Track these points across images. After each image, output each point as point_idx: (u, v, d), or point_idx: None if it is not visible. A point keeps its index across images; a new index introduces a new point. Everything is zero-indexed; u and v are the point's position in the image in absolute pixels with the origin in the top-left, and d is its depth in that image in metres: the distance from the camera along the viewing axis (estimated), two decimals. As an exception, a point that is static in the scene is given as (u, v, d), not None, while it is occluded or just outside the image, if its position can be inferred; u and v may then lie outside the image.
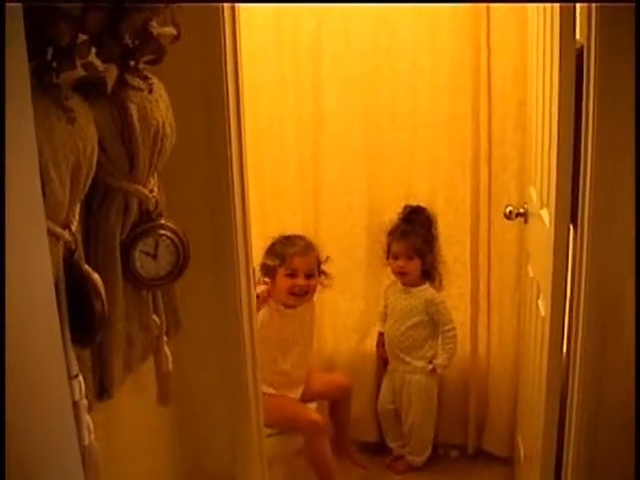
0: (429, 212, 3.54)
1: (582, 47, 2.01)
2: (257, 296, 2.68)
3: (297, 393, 3.25)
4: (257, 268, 2.85)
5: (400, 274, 3.56)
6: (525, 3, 2.97)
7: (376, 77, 3.46)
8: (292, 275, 3.17)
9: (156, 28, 1.40)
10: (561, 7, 2.06)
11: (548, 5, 2.33)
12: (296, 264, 3.17)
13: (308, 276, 3.20)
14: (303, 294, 3.20)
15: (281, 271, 3.17)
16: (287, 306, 3.20)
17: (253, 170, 2.23)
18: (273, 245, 3.26)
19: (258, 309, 2.88)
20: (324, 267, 3.32)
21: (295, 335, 3.26)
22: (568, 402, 2.14)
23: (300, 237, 3.31)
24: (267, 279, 3.07)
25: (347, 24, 3.41)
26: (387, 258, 3.58)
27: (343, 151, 3.56)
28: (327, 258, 3.33)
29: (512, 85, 3.27)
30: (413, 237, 3.49)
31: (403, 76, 3.44)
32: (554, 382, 2.31)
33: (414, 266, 3.52)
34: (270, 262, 3.20)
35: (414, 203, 3.54)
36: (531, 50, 2.91)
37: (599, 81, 1.90)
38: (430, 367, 3.56)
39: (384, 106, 3.49)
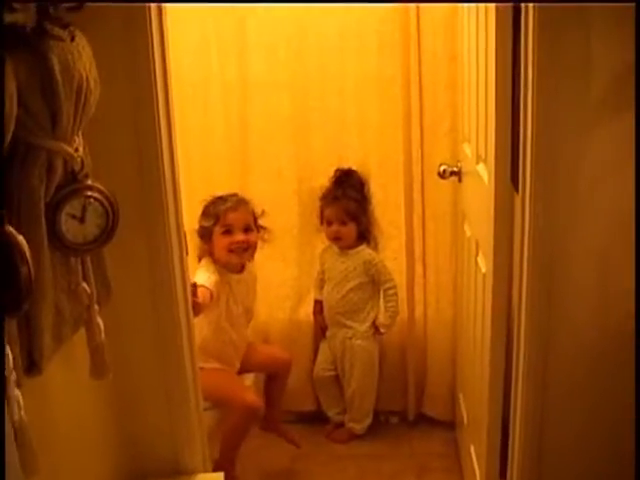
0: (360, 174, 3.49)
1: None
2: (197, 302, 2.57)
3: (238, 365, 3.18)
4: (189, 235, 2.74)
5: (335, 239, 3.51)
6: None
7: (303, 40, 3.38)
8: (228, 232, 3.07)
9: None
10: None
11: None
12: (230, 220, 3.07)
13: (245, 231, 3.10)
14: (243, 250, 3.10)
15: (217, 230, 3.08)
16: (230, 268, 3.11)
17: (178, 136, 2.12)
18: (207, 207, 3.15)
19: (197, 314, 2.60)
20: (261, 222, 3.23)
21: (242, 302, 3.17)
22: (514, 361, 2.09)
23: (232, 194, 3.19)
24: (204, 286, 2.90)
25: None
26: (321, 223, 3.53)
27: (271, 116, 3.48)
28: (263, 212, 3.23)
29: (443, 40, 3.24)
30: (345, 201, 3.43)
31: (330, 37, 3.37)
32: (498, 338, 2.28)
33: (349, 230, 3.47)
34: (205, 223, 3.11)
35: (345, 167, 3.48)
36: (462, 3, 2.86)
37: (537, 36, 1.82)
38: (373, 330, 3.53)
39: (311, 69, 3.42)
